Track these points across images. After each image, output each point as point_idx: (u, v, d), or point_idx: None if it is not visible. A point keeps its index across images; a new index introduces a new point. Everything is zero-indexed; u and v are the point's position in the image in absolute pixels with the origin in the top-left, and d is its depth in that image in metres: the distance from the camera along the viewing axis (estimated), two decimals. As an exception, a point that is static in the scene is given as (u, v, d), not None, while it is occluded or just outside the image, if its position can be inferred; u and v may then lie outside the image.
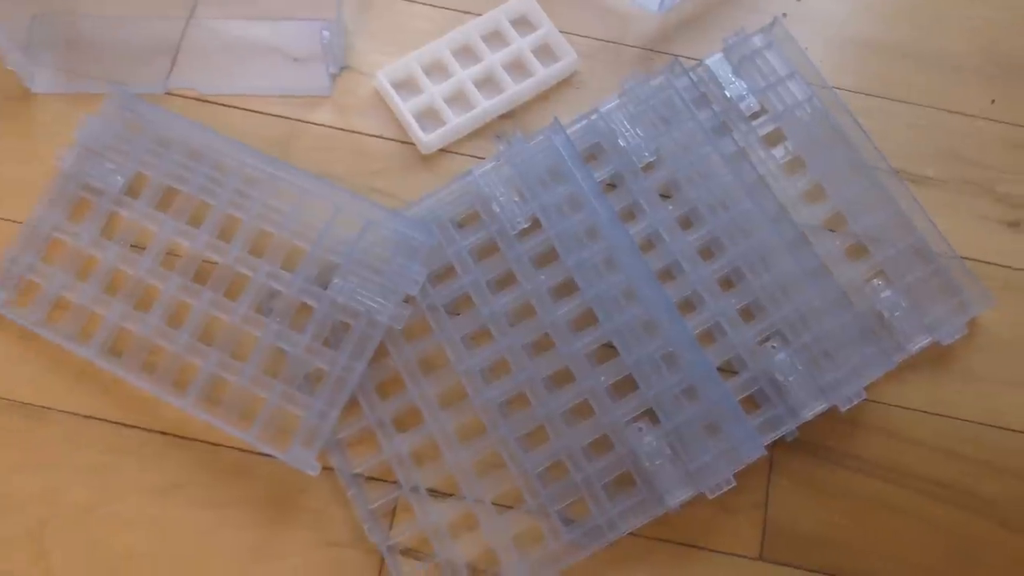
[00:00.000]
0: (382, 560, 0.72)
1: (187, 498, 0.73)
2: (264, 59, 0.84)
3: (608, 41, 0.87)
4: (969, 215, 0.84)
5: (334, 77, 0.84)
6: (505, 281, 0.78)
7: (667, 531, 0.73)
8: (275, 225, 0.77)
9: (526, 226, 0.78)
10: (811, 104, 0.83)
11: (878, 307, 0.78)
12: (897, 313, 0.78)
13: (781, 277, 0.77)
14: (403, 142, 0.83)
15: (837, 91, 0.84)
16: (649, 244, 0.79)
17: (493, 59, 0.84)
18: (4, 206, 0.79)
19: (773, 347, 0.76)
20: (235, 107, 0.83)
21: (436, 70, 0.85)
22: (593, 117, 0.81)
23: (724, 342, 0.76)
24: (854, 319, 0.75)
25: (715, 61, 0.84)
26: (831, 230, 0.81)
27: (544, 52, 0.86)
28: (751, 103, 0.83)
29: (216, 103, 0.83)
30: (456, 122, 0.82)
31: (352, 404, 0.74)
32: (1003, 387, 0.78)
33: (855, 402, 0.74)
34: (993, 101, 0.87)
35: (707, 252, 0.79)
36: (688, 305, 0.78)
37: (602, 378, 0.74)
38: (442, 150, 0.83)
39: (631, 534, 0.72)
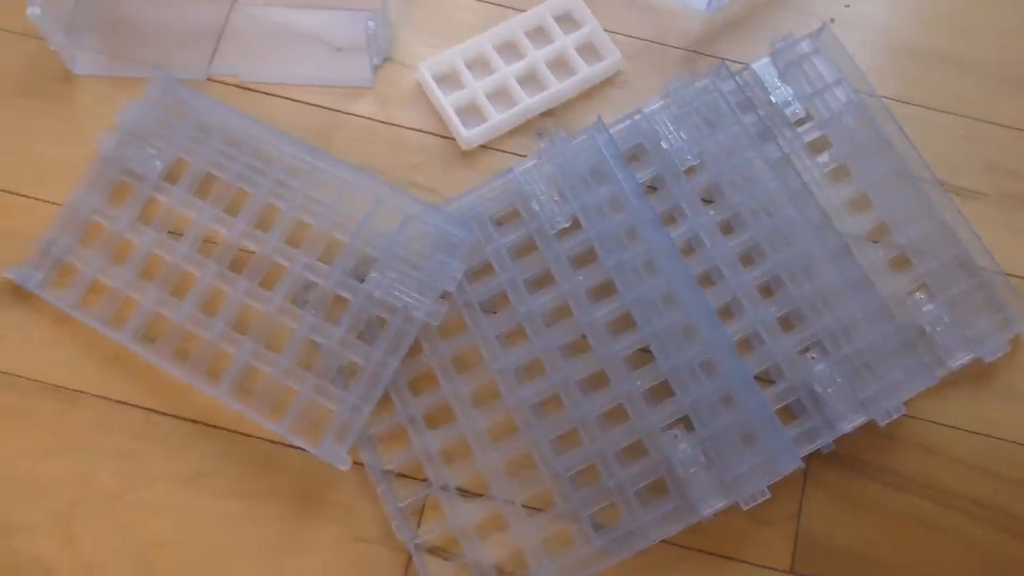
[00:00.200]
0: (409, 558, 0.71)
1: (215, 488, 0.72)
2: (307, 48, 0.83)
3: (652, 41, 0.86)
4: (1008, 229, 0.82)
5: (376, 68, 0.83)
6: (543, 281, 0.77)
7: (698, 540, 0.72)
8: (314, 216, 0.76)
9: (566, 226, 0.77)
10: (857, 112, 0.81)
11: (919, 321, 0.77)
12: (939, 328, 0.76)
13: (822, 286, 0.76)
14: (443, 137, 0.83)
15: (884, 100, 0.82)
16: (689, 248, 0.78)
17: (536, 56, 0.83)
18: (44, 187, 0.78)
19: (812, 358, 0.74)
20: (276, 95, 0.83)
21: (479, 65, 0.84)
22: (636, 118, 0.80)
23: (762, 351, 0.75)
24: (895, 332, 0.74)
25: (761, 65, 0.83)
26: (874, 241, 0.80)
27: (588, 50, 0.85)
28: (796, 109, 0.82)
29: (257, 90, 0.83)
30: (497, 118, 0.81)
31: (384, 400, 0.73)
32: (1045, 407, 0.77)
33: (894, 417, 0.73)
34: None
35: (748, 259, 0.78)
36: (727, 312, 0.77)
37: (638, 383, 0.73)
38: (482, 146, 0.82)
39: (661, 542, 0.71)
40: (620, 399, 0.73)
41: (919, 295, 0.78)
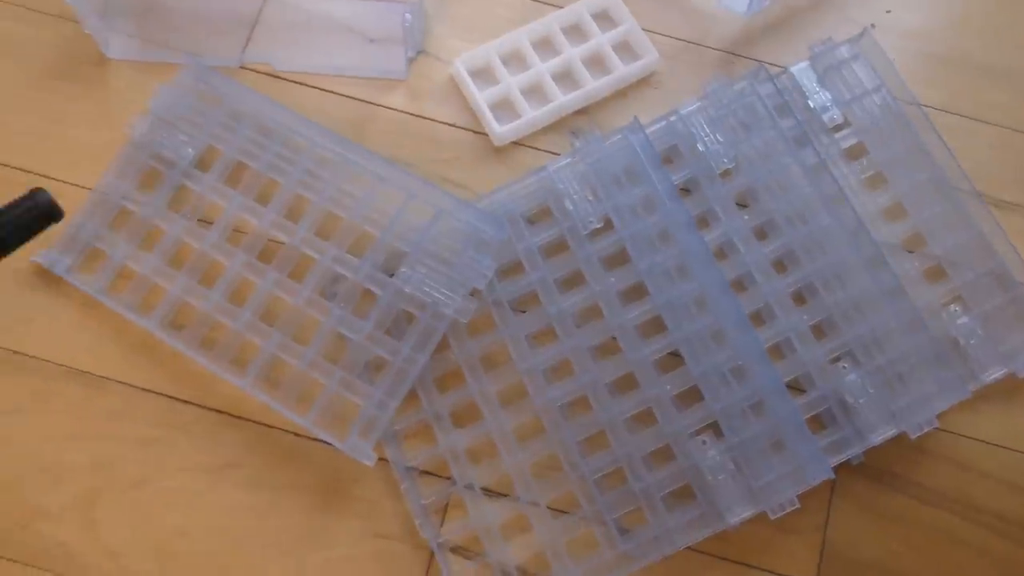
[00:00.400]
0: (431, 556, 0.71)
1: (238, 479, 0.72)
2: (341, 38, 0.83)
3: (690, 42, 0.85)
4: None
5: (410, 61, 0.83)
6: (573, 281, 0.76)
7: (723, 547, 0.72)
8: (344, 208, 0.75)
9: (598, 226, 0.76)
10: (896, 119, 0.80)
11: (953, 333, 0.76)
12: (973, 341, 0.75)
13: (856, 295, 0.75)
14: (475, 132, 0.82)
15: (925, 108, 0.81)
16: (722, 253, 0.77)
17: (572, 53, 0.82)
18: (75, 171, 0.78)
19: (844, 367, 0.74)
20: (308, 85, 0.82)
21: (514, 61, 0.83)
22: (672, 119, 0.79)
23: (793, 359, 0.74)
24: (929, 344, 0.73)
25: (800, 69, 0.82)
26: (909, 251, 0.79)
27: (624, 49, 0.84)
28: (834, 115, 0.80)
29: (289, 80, 0.82)
30: (531, 115, 0.80)
31: (410, 396, 0.73)
32: (1078, 425, 0.76)
33: (926, 430, 0.72)
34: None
35: (781, 265, 0.77)
36: (758, 318, 0.76)
37: (667, 387, 0.73)
38: (514, 143, 0.81)
39: (686, 548, 0.70)
40: (649, 403, 0.73)
41: (953, 307, 0.77)
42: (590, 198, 0.77)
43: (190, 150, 0.77)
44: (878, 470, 0.74)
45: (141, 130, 0.77)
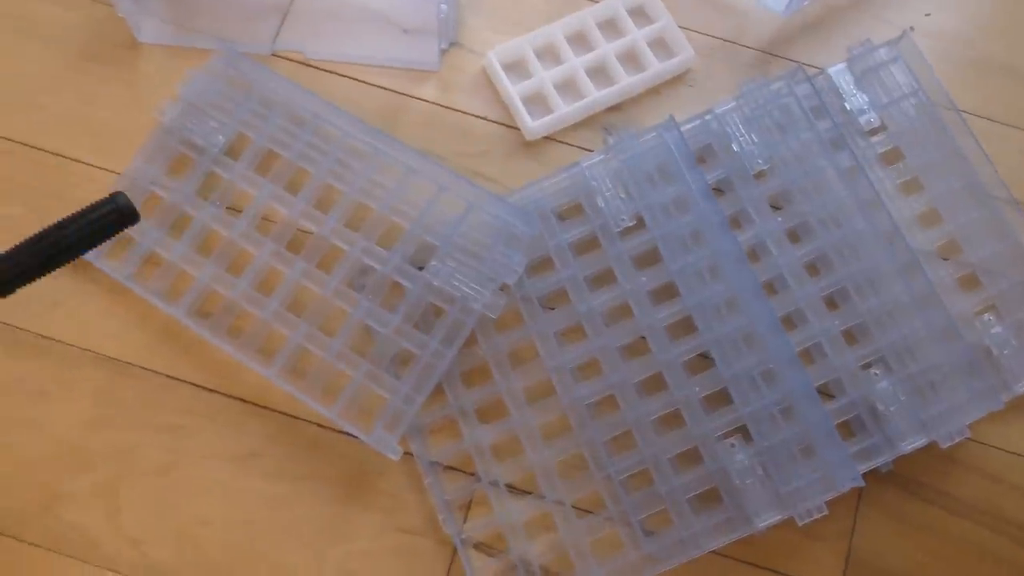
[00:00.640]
0: (453, 552, 0.70)
1: (262, 469, 0.71)
2: (373, 28, 0.82)
3: (726, 40, 0.84)
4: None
5: (443, 52, 0.82)
6: (604, 279, 0.75)
7: (748, 552, 0.71)
8: (375, 200, 0.75)
9: (630, 224, 0.75)
10: (933, 124, 0.79)
11: (987, 342, 0.75)
12: (1006, 351, 0.75)
13: (889, 301, 0.74)
14: (507, 126, 0.81)
15: (963, 113, 0.80)
16: (754, 255, 0.76)
17: (607, 48, 0.82)
18: (104, 155, 0.77)
19: (876, 374, 0.73)
20: (339, 74, 0.81)
21: (548, 55, 0.82)
22: (707, 118, 0.78)
23: (824, 364, 0.74)
24: (962, 352, 0.72)
25: (837, 71, 0.80)
26: (944, 258, 0.78)
27: (659, 46, 0.83)
28: (871, 118, 0.79)
29: (320, 68, 0.81)
30: (564, 110, 0.80)
31: (436, 390, 0.72)
32: (1111, 438, 0.75)
33: (956, 440, 0.71)
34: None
35: (813, 268, 0.76)
36: (789, 322, 0.75)
37: (696, 389, 0.72)
38: (546, 138, 0.81)
39: (710, 552, 0.70)
40: (677, 404, 0.72)
41: (987, 316, 0.76)
42: (622, 196, 0.76)
43: (220, 137, 0.76)
44: (906, 479, 0.73)
45: (171, 115, 0.76)
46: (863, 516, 0.73)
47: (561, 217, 0.77)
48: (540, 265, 0.76)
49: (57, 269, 0.60)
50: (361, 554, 0.70)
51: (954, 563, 0.72)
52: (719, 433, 0.71)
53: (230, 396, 0.73)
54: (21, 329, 0.73)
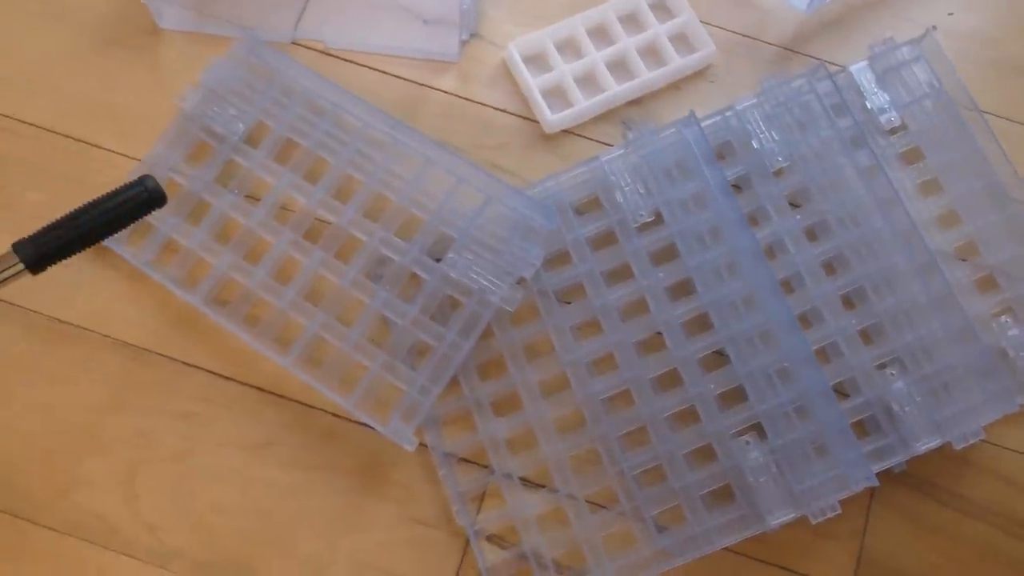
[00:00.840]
0: (466, 543, 0.70)
1: (277, 457, 0.72)
2: (394, 18, 0.82)
3: (747, 36, 0.84)
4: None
5: (463, 44, 0.82)
6: (621, 274, 0.75)
7: (760, 549, 0.71)
8: (393, 190, 0.75)
9: (648, 219, 0.75)
10: (954, 124, 0.79)
11: (1003, 344, 0.75)
12: (1023, 353, 0.74)
13: (906, 301, 0.74)
14: (526, 118, 0.81)
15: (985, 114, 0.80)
16: (771, 252, 0.76)
17: (628, 43, 0.81)
18: (123, 140, 0.78)
19: (891, 374, 0.73)
20: (359, 64, 0.81)
21: (568, 48, 0.82)
22: (727, 114, 0.78)
23: (840, 363, 0.73)
24: (978, 354, 0.72)
25: (859, 69, 0.80)
26: (962, 259, 0.77)
27: (680, 41, 0.83)
28: (892, 117, 0.79)
29: (341, 58, 0.81)
30: (584, 104, 0.80)
31: (451, 382, 0.72)
32: (1126, 442, 0.75)
33: (971, 441, 0.71)
34: None
35: (831, 267, 0.76)
36: (805, 320, 0.75)
37: (711, 385, 0.72)
38: (565, 131, 0.81)
39: (722, 548, 0.70)
40: (692, 401, 0.72)
41: (1004, 318, 0.76)
42: (641, 191, 0.76)
43: (240, 125, 0.76)
44: (920, 479, 0.73)
45: (192, 102, 0.76)
46: (876, 516, 0.73)
47: (579, 211, 0.77)
48: (557, 259, 0.76)
49: (85, 249, 0.62)
50: (374, 544, 0.70)
51: (967, 565, 0.72)
52: (734, 430, 0.71)
53: (246, 384, 0.73)
54: (40, 314, 0.74)
